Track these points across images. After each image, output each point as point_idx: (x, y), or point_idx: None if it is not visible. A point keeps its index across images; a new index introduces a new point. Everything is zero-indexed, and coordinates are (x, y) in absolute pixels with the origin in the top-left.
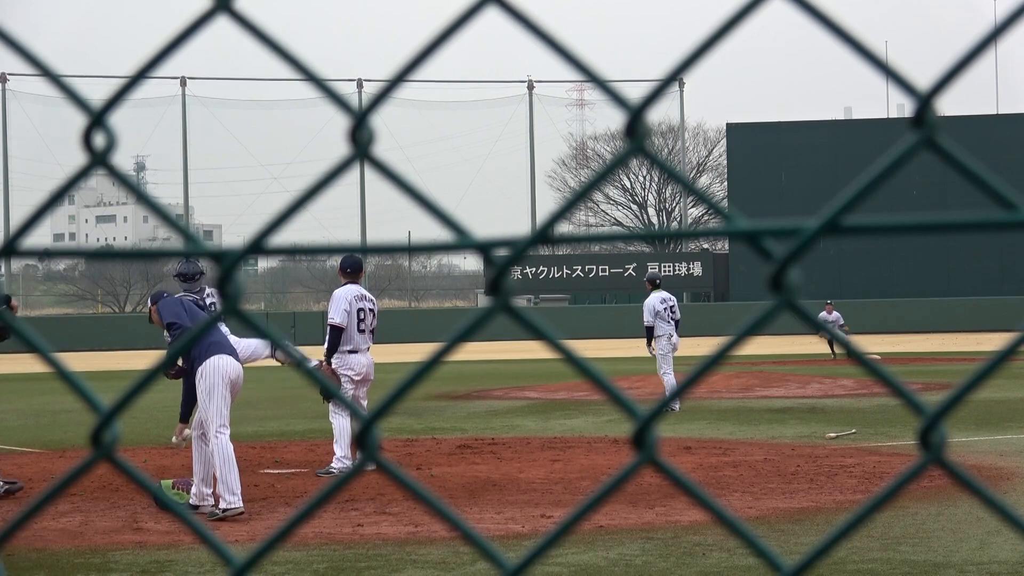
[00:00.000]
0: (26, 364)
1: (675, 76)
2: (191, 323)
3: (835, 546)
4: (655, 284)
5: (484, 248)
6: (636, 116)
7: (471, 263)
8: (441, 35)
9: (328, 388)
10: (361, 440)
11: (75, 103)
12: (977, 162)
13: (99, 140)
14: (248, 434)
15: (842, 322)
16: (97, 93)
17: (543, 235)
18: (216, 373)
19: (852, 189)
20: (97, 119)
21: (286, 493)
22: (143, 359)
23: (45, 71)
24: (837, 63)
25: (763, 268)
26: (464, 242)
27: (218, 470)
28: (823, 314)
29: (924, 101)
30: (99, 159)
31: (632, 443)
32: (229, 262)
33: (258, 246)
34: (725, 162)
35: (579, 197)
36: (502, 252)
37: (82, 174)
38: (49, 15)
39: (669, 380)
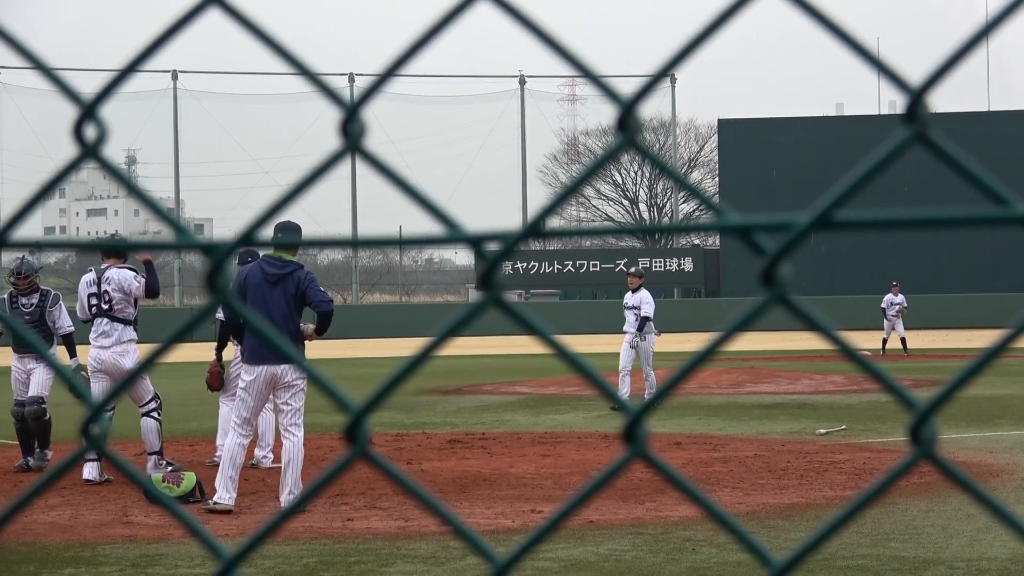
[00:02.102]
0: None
1: (667, 70)
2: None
3: (825, 541)
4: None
5: (475, 242)
6: (628, 110)
7: (462, 258)
8: (432, 28)
9: (322, 383)
10: (351, 433)
11: (66, 95)
12: (969, 157)
13: (90, 132)
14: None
15: (905, 304)
16: (93, 87)
17: (534, 229)
18: (240, 380)
19: (844, 184)
20: (88, 111)
21: (276, 487)
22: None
23: (37, 63)
24: (829, 59)
25: (754, 264)
26: (455, 235)
27: (221, 463)
28: (889, 296)
29: (916, 96)
30: (90, 151)
31: (622, 438)
32: (220, 255)
33: (248, 239)
34: (717, 158)
35: (570, 191)
36: (493, 246)
37: (73, 166)
38: (48, 13)
39: (652, 377)
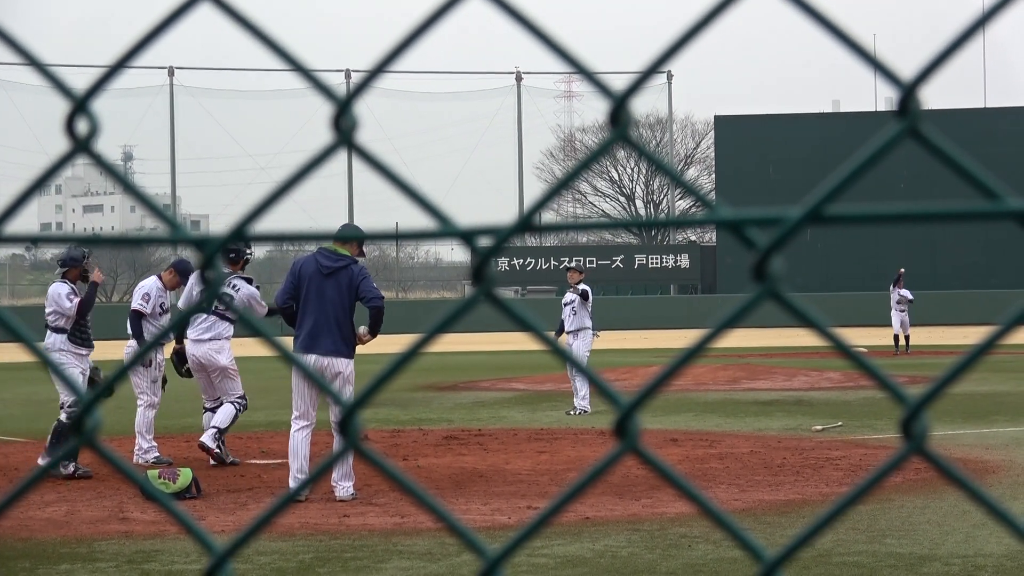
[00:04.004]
0: (14, 353)
1: (658, 65)
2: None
3: (818, 536)
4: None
5: (467, 236)
6: (620, 104)
7: (458, 254)
8: (426, 21)
9: (314, 378)
10: (343, 427)
11: (58, 89)
12: (961, 152)
13: (82, 126)
14: (234, 424)
15: (911, 297)
16: (86, 83)
17: (527, 223)
18: (295, 370)
19: (835, 178)
20: (80, 105)
21: (272, 483)
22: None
23: (29, 58)
24: (826, 56)
25: (749, 259)
26: (447, 230)
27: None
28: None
29: (908, 90)
30: (82, 145)
31: (615, 432)
32: (211, 249)
33: (240, 233)
34: (713, 154)
35: (562, 184)
36: (486, 240)
37: (65, 160)
38: (46, 14)
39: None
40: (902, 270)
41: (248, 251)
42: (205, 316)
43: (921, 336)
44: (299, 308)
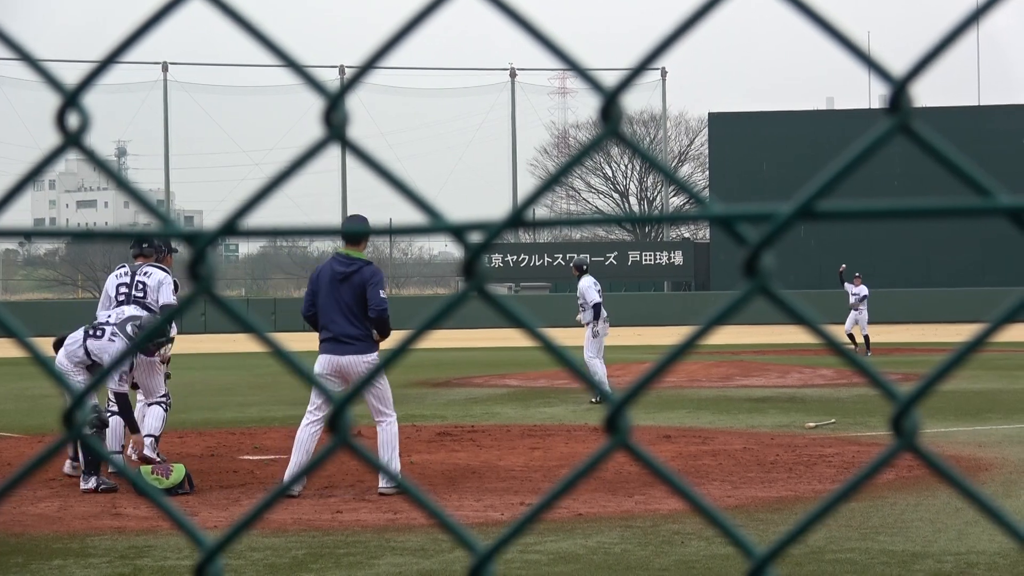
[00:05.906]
0: (7, 349)
1: (649, 61)
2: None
3: (809, 532)
4: (584, 270)
5: (458, 231)
6: (611, 99)
7: (452, 250)
8: (417, 16)
9: (306, 373)
10: (334, 423)
11: (49, 83)
12: (952, 148)
13: (73, 121)
14: (227, 420)
15: (866, 293)
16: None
17: (518, 218)
18: (318, 363)
19: (827, 174)
20: (71, 99)
21: (265, 479)
22: None
23: (21, 52)
24: (820, 53)
25: (741, 255)
26: (438, 225)
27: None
28: (849, 286)
29: (899, 86)
30: (73, 139)
31: (605, 428)
32: (202, 243)
33: (231, 227)
34: (707, 151)
35: (554, 180)
36: (477, 235)
37: (56, 154)
38: (51, 10)
39: (601, 366)
40: (843, 266)
41: (167, 249)
42: (123, 308)
43: (915, 334)
44: (319, 314)
